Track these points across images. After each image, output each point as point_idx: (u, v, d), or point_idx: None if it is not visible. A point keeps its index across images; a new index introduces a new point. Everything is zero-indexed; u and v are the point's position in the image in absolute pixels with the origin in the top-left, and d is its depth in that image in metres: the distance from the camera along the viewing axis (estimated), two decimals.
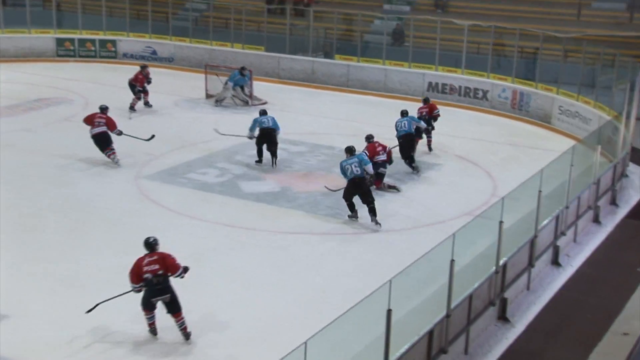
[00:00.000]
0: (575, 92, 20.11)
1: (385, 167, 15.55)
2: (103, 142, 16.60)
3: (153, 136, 17.52)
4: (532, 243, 11.67)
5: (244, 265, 12.17)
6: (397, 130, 16.88)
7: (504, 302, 10.81)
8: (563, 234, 12.96)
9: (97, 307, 9.99)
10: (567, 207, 12.92)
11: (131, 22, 27.86)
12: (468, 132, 20.13)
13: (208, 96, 22.59)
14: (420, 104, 18.62)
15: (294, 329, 9.70)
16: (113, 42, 27.41)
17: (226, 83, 21.92)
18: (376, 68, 24.02)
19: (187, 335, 9.91)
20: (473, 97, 22.58)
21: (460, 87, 22.78)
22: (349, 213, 14.06)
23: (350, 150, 14.12)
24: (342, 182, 14.12)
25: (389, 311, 7.83)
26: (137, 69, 21.59)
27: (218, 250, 12.74)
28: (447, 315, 9.20)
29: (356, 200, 13.91)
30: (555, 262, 12.71)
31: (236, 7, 26.78)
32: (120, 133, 16.93)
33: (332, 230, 13.71)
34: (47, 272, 11.69)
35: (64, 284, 11.30)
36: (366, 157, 14.22)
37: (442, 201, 15.24)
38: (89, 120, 16.80)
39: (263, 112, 17.16)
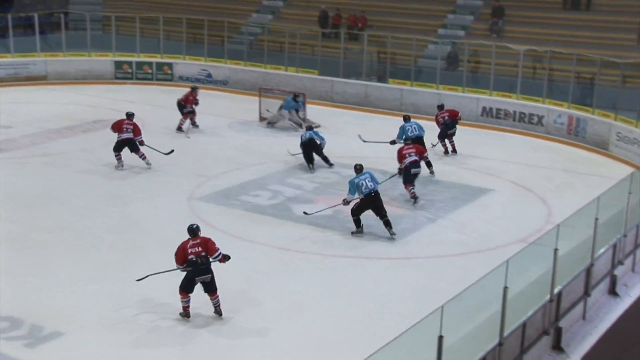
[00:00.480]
0: (634, 119, 19.74)
1: (417, 167, 15.98)
2: (131, 147, 17.76)
3: (172, 151, 18.21)
4: (588, 271, 11.42)
5: (296, 288, 12.17)
6: (407, 135, 17.74)
7: (558, 332, 10.58)
8: (621, 263, 12.67)
9: (147, 278, 11.19)
10: (625, 236, 12.63)
11: (188, 46, 28.28)
12: (522, 158, 19.89)
13: (262, 119, 22.77)
14: (438, 112, 19.73)
15: (345, 354, 9.66)
16: (169, 65, 27.84)
17: (280, 109, 22.06)
18: (430, 92, 23.93)
19: (219, 312, 10.96)
20: (528, 123, 22.33)
21: (514, 112, 22.55)
22: (354, 229, 14.27)
23: (359, 168, 14.50)
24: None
25: (441, 337, 7.72)
26: (188, 90, 21.87)
27: (270, 273, 12.75)
28: (500, 344, 9.03)
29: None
30: (613, 291, 12.42)
31: (291, 31, 27.01)
32: (142, 143, 17.85)
33: (383, 254, 13.64)
34: (101, 290, 11.85)
35: (118, 303, 11.42)
36: (374, 175, 14.51)
37: (496, 227, 15.06)
38: (117, 126, 17.86)
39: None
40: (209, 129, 21.79)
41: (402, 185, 16.76)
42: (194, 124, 21.55)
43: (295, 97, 22.12)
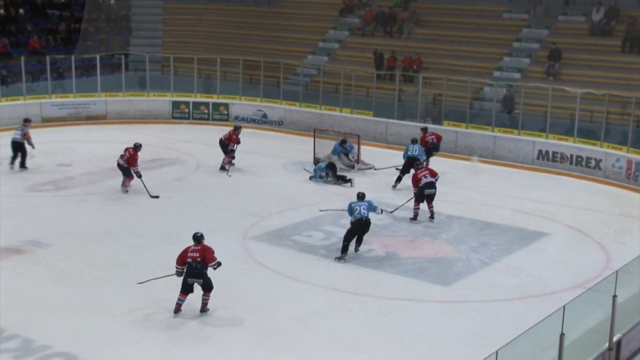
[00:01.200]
0: None
1: (432, 188, 17.32)
2: (123, 172, 18.99)
3: (157, 197, 18.75)
4: None
5: (347, 330, 12.09)
6: (407, 154, 19.71)
7: None
8: None
9: (149, 282, 12.72)
10: None
11: (244, 86, 28.67)
12: (579, 202, 19.58)
13: (316, 160, 22.86)
14: (424, 134, 20.97)
15: None
16: (226, 106, 28.22)
17: (331, 155, 22.16)
18: (485, 135, 23.80)
19: (204, 309, 12.27)
20: (585, 166, 22.00)
21: (571, 155, 22.26)
22: (339, 255, 14.96)
23: (361, 196, 15.27)
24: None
25: None
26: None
27: (321, 314, 12.71)
28: None
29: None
30: None
31: (346, 73, 27.20)
32: (137, 173, 18.81)
33: (436, 298, 13.50)
34: (156, 327, 11.93)
35: (174, 342, 11.49)
36: (374, 204, 15.32)
37: (551, 272, 14.80)
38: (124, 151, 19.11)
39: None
40: (264, 168, 21.97)
41: (456, 228, 16.79)
42: (231, 162, 21.56)
43: (343, 142, 22.15)
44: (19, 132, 20.98)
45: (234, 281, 13.73)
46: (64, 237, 15.90)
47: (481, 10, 30.34)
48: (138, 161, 18.99)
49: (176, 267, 12.38)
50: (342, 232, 16.55)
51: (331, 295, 13.46)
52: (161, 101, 28.35)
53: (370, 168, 21.78)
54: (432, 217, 17.45)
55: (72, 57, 28.31)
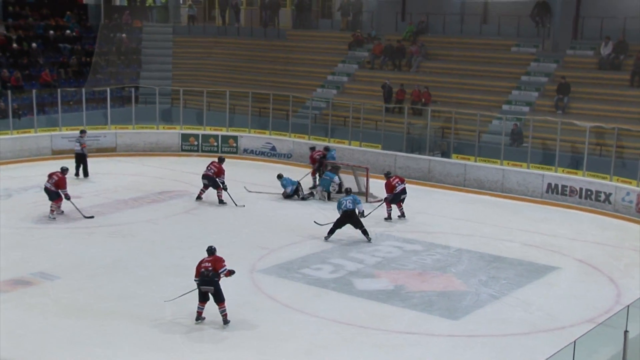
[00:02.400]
0: None
1: (405, 193, 20.17)
2: (49, 195, 19.27)
3: (92, 217, 19.44)
4: None
5: None
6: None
7: None
8: None
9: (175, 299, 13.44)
10: None
11: (253, 119, 28.79)
12: (589, 236, 19.49)
13: (323, 195, 22.83)
14: (390, 178, 20.52)
15: None
16: (235, 138, 28.33)
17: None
18: (494, 168, 23.78)
19: (226, 321, 13.13)
20: (595, 200, 21.92)
21: (581, 189, 22.20)
22: (327, 235, 18.21)
23: (349, 191, 19.08)
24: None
25: None
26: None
27: (329, 348, 12.63)
28: None
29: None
30: None
31: (355, 106, 27.29)
32: (66, 195, 19.28)
33: (445, 332, 13.40)
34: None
35: None
36: (358, 198, 18.52)
37: (562, 306, 14.70)
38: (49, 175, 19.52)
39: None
40: (272, 201, 21.99)
41: (465, 262, 16.89)
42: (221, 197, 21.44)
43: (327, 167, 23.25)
44: (78, 144, 23.93)
45: (242, 314, 13.67)
46: (73, 269, 15.89)
47: (490, 44, 30.47)
48: (66, 184, 19.56)
49: (195, 280, 13.22)
50: (351, 265, 16.61)
51: (340, 328, 13.38)
52: (170, 134, 28.49)
53: (379, 201, 21.76)
54: (403, 215, 20.19)
55: (83, 90, 28.52)
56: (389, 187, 20.18)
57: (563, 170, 22.81)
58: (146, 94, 31.23)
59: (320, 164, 23.83)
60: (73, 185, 22.74)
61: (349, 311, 14.14)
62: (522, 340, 13.10)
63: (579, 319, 13.86)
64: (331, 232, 18.25)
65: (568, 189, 22.41)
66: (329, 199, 22.06)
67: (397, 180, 20.26)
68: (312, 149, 24.60)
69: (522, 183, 23.19)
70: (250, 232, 18.95)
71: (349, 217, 18.06)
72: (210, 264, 13.15)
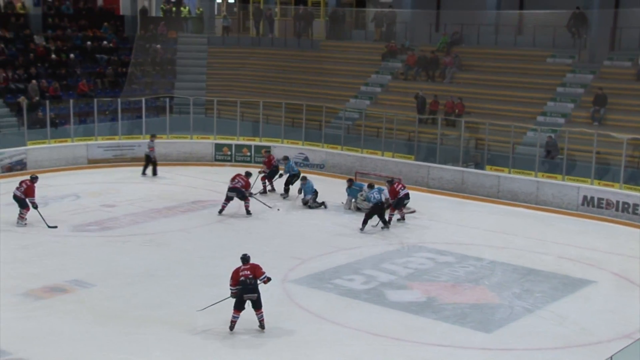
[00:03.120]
0: None
1: (409, 198, 21.03)
2: (19, 203, 19.40)
3: (56, 227, 19.32)
4: None
5: None
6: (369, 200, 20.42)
7: None
8: None
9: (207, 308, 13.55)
10: None
11: (286, 130, 28.85)
12: (626, 249, 19.20)
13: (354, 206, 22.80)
14: (387, 186, 21.19)
15: None
16: (268, 148, 28.39)
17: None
18: (528, 180, 23.57)
19: (263, 326, 13.32)
20: (632, 213, 21.62)
21: (617, 202, 21.89)
22: (361, 227, 19.78)
23: (372, 186, 20.48)
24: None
25: None
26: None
27: (360, 359, 12.57)
28: None
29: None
30: None
31: (388, 116, 27.24)
32: (34, 204, 19.37)
33: (478, 345, 13.28)
34: None
35: None
36: (382, 187, 20.73)
37: (597, 320, 14.49)
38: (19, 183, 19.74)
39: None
40: (305, 211, 22.01)
41: (499, 274, 16.80)
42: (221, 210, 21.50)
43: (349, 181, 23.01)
44: (147, 148, 25.75)
45: (274, 324, 13.66)
46: (107, 277, 16.03)
47: (525, 55, 30.27)
48: (34, 192, 19.59)
49: (230, 289, 13.34)
50: (383, 276, 16.54)
51: (372, 340, 13.32)
52: (204, 143, 28.66)
53: (412, 212, 21.68)
54: (403, 218, 21.03)
55: (119, 100, 28.85)
56: (393, 193, 20.91)
57: (599, 183, 22.54)
58: (180, 104, 31.46)
59: (275, 172, 24.29)
60: (111, 194, 23.02)
61: (381, 322, 14.07)
62: (556, 355, 12.94)
63: (615, 334, 13.66)
64: (364, 223, 19.86)
65: (604, 201, 22.13)
66: (311, 207, 22.37)
67: (400, 186, 21.10)
68: (268, 151, 25.47)
69: (557, 195, 22.95)
70: (282, 242, 18.98)
71: (379, 209, 19.79)
72: (249, 272, 13.23)
